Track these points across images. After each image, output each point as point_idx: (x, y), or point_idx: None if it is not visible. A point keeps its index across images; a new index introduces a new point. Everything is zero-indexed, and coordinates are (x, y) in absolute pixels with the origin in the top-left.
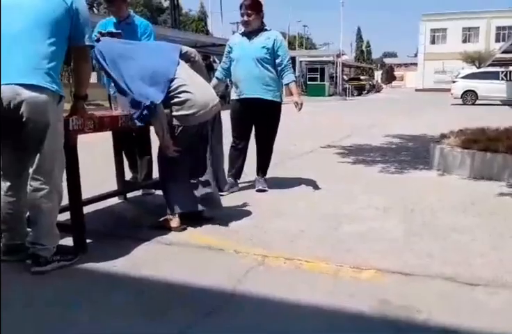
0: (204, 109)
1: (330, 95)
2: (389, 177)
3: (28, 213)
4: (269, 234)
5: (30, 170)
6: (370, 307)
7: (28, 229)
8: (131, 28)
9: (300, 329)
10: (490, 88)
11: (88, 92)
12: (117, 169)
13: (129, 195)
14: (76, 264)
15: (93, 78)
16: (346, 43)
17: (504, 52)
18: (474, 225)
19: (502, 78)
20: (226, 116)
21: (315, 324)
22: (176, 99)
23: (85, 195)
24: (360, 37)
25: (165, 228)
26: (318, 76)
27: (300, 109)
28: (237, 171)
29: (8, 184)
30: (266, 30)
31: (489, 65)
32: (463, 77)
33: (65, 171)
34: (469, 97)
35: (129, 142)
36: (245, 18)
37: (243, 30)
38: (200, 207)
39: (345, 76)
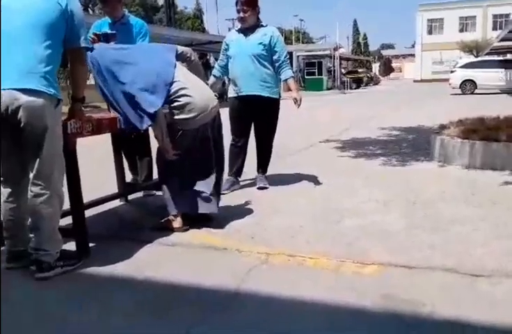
0: (204, 112)
1: (328, 89)
2: (390, 169)
3: (29, 219)
4: (271, 231)
5: (30, 176)
6: (373, 303)
7: (31, 235)
8: (126, 29)
9: (304, 326)
10: (489, 77)
11: (85, 93)
12: (118, 171)
13: (130, 196)
14: (80, 268)
15: (90, 79)
16: (342, 36)
17: (501, 40)
18: (476, 215)
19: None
20: (224, 114)
21: (318, 321)
22: (176, 103)
23: (87, 198)
24: (356, 30)
25: (167, 229)
26: (316, 70)
27: (299, 105)
28: (238, 169)
29: (9, 190)
30: (262, 26)
31: (487, 54)
32: (461, 67)
33: (65, 175)
34: (468, 87)
35: (129, 144)
36: (241, 14)
37: (239, 27)
38: (198, 210)
39: (343, 70)
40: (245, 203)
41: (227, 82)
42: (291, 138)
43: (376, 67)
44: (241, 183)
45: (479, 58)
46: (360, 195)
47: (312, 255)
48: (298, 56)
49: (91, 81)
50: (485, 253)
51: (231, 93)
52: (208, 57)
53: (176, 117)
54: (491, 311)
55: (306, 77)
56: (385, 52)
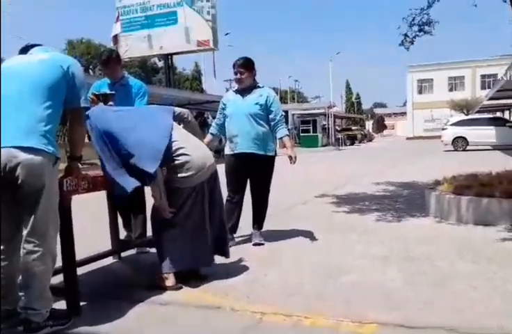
0: (202, 170)
1: (323, 146)
2: (386, 225)
3: (20, 277)
4: (267, 289)
5: (24, 233)
6: None
7: (20, 294)
8: (126, 89)
9: None
10: (480, 134)
11: (82, 151)
12: (112, 227)
13: (124, 254)
14: (70, 328)
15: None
16: (336, 96)
17: (490, 99)
18: (473, 272)
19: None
20: (221, 170)
21: None
22: (175, 162)
23: (79, 255)
24: (349, 90)
25: (160, 288)
26: (311, 127)
27: (294, 162)
28: (233, 225)
29: (1, 247)
30: (258, 87)
31: (477, 112)
32: (453, 124)
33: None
34: (460, 143)
35: (123, 201)
36: (238, 76)
37: (236, 88)
38: (192, 265)
39: (337, 127)
40: (240, 260)
41: (223, 140)
42: (287, 194)
43: (369, 124)
44: (236, 239)
45: (470, 116)
46: (356, 251)
47: (308, 315)
48: (293, 114)
49: (86, 139)
50: (485, 311)
51: (227, 150)
52: (206, 115)
53: (174, 175)
54: None
55: (301, 134)
56: (378, 110)
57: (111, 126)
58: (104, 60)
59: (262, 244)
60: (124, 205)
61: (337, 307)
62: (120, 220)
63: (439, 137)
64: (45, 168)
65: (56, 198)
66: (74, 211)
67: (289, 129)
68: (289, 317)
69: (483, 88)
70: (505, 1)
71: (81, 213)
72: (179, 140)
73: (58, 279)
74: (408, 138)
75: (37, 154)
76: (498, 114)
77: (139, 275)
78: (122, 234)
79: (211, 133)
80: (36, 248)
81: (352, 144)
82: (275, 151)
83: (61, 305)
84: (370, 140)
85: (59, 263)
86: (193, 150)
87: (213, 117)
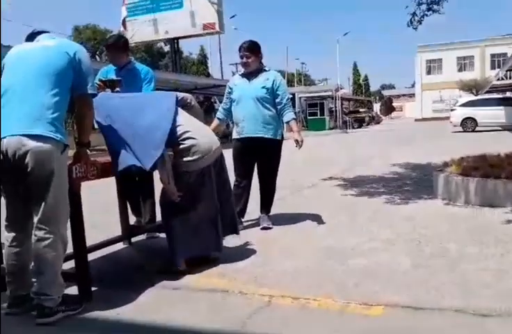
0: (208, 154)
1: (330, 129)
2: (394, 207)
3: (32, 263)
4: (275, 272)
5: (35, 220)
6: None
7: (33, 280)
8: (132, 75)
9: None
10: (489, 115)
11: (91, 138)
12: (122, 214)
13: (134, 239)
14: (82, 312)
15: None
16: (343, 78)
17: (499, 79)
18: (482, 254)
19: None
20: (229, 154)
21: None
22: (181, 146)
23: (90, 241)
24: (356, 71)
25: (170, 272)
26: (318, 110)
27: (300, 147)
28: (241, 209)
29: (13, 234)
30: (265, 70)
31: (486, 92)
32: (462, 105)
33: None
34: (469, 124)
35: (132, 186)
36: (244, 60)
37: (242, 72)
38: (203, 251)
39: (345, 110)
40: (248, 244)
41: (231, 124)
42: (295, 177)
43: (377, 106)
44: (244, 223)
45: (479, 97)
46: (364, 234)
47: (316, 297)
48: (300, 98)
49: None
50: (493, 294)
51: (234, 135)
52: (213, 100)
53: (180, 159)
54: None
55: (308, 117)
56: (386, 92)
57: (116, 113)
58: (106, 45)
59: (270, 228)
60: (133, 186)
61: (344, 290)
62: (129, 206)
63: (448, 118)
64: (54, 155)
65: (66, 185)
66: (84, 198)
67: (295, 113)
68: (296, 300)
69: (492, 67)
70: None
71: (90, 200)
72: (184, 124)
73: (69, 265)
74: (416, 120)
75: (45, 142)
76: (508, 94)
77: (149, 260)
78: (132, 219)
79: (218, 118)
80: (47, 235)
81: (360, 127)
82: (282, 135)
83: (73, 290)
84: (378, 122)
85: (70, 249)
86: (199, 134)
87: (220, 102)
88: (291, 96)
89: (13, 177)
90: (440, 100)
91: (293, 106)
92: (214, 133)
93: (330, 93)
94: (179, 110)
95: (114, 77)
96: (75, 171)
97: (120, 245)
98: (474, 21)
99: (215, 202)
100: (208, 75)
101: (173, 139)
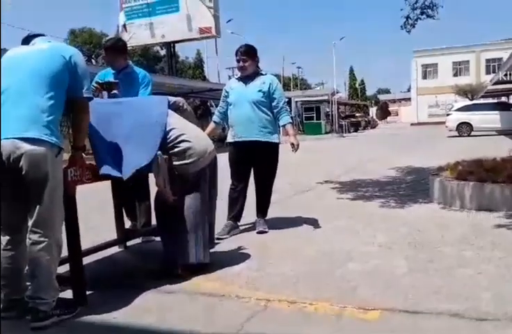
0: (204, 156)
1: (326, 133)
2: (390, 211)
3: (27, 267)
4: (271, 276)
5: (30, 223)
6: None
7: (27, 284)
8: (130, 78)
9: None
10: (485, 119)
11: (86, 141)
12: (117, 217)
13: (129, 243)
14: (77, 316)
15: None
16: (340, 82)
17: (495, 83)
18: (479, 258)
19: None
20: (225, 158)
21: None
22: (176, 149)
23: (85, 244)
24: (353, 76)
25: (165, 276)
26: (314, 114)
27: (296, 150)
28: (237, 213)
29: (7, 237)
30: (261, 74)
31: (481, 97)
32: (457, 110)
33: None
34: (465, 129)
35: (128, 190)
36: (241, 63)
37: (239, 75)
38: (197, 259)
39: (341, 114)
40: (244, 248)
41: (227, 128)
42: (291, 181)
43: (373, 111)
44: (241, 227)
45: (474, 101)
46: (361, 238)
47: (313, 301)
48: (296, 102)
49: None
50: (491, 297)
51: (229, 138)
52: (209, 104)
53: (176, 163)
54: None
55: (305, 122)
56: (382, 97)
57: (107, 115)
58: (105, 48)
59: (266, 232)
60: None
61: (341, 294)
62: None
63: (443, 123)
64: (48, 158)
65: (61, 189)
66: (79, 201)
67: (292, 117)
68: (293, 304)
69: (487, 72)
70: None
71: (85, 203)
72: (179, 127)
73: (64, 268)
74: (412, 124)
75: (40, 145)
76: (503, 99)
77: (144, 264)
78: (127, 223)
79: (214, 122)
80: (42, 238)
81: (356, 131)
82: (279, 138)
83: (68, 294)
84: (374, 126)
85: (65, 253)
86: (193, 137)
87: (216, 106)
88: (287, 100)
89: (8, 180)
90: (435, 105)
91: (290, 110)
92: (210, 137)
93: (326, 97)
94: (173, 113)
95: (111, 80)
96: (70, 174)
97: (115, 249)
98: (473, 23)
99: (207, 205)
100: (204, 79)
101: (168, 142)
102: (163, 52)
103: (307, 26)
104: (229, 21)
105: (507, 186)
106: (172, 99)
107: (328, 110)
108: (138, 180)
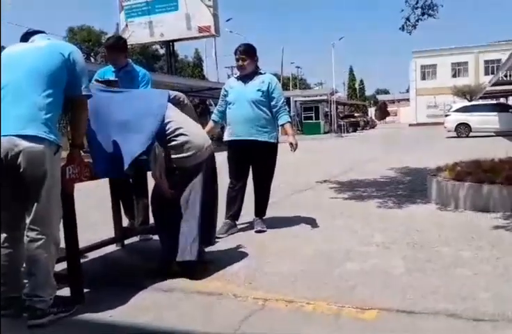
0: (200, 150)
1: (325, 133)
2: (388, 211)
3: (24, 265)
4: (269, 275)
5: (27, 221)
6: None
7: (25, 281)
8: (130, 76)
9: None
10: (483, 120)
11: (84, 139)
12: (115, 215)
13: (127, 241)
14: (74, 314)
15: None
16: (339, 82)
17: (493, 85)
18: (476, 258)
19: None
20: (223, 157)
21: None
22: (174, 142)
23: (82, 243)
24: (352, 76)
25: (163, 274)
26: (313, 114)
27: (295, 150)
28: (235, 212)
29: (5, 235)
30: (260, 73)
31: (480, 98)
32: (456, 111)
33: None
34: (463, 130)
35: (126, 188)
36: (240, 63)
37: (238, 74)
38: (193, 256)
39: (340, 114)
40: (242, 247)
41: (225, 126)
42: (289, 181)
43: (371, 111)
44: (239, 226)
45: (473, 102)
46: (359, 237)
47: (310, 300)
48: (295, 101)
49: None
50: (488, 298)
51: (225, 136)
52: (208, 103)
53: (173, 156)
54: None
55: (304, 121)
56: (381, 97)
57: (103, 106)
58: (106, 46)
59: (264, 231)
60: (126, 187)
61: (339, 294)
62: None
63: (442, 123)
64: (46, 156)
65: (59, 186)
66: (77, 199)
67: (291, 116)
68: (291, 303)
69: (486, 73)
70: None
71: (83, 201)
72: (177, 120)
73: (61, 266)
74: (410, 125)
75: (38, 143)
76: (502, 100)
77: (142, 262)
78: (125, 221)
79: (213, 120)
80: (39, 236)
81: (354, 131)
82: (278, 138)
83: (65, 292)
84: (373, 127)
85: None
86: (191, 131)
87: (215, 105)
88: (286, 99)
89: (5, 178)
90: (434, 105)
91: (289, 110)
92: (209, 135)
93: (325, 97)
94: (171, 106)
95: (111, 78)
96: (68, 172)
97: (112, 247)
98: (473, 23)
99: (205, 200)
100: (203, 78)
101: (166, 135)
102: (162, 51)
103: (307, 26)
104: (229, 20)
105: (505, 187)
106: (173, 93)
107: (326, 110)
108: (137, 177)
